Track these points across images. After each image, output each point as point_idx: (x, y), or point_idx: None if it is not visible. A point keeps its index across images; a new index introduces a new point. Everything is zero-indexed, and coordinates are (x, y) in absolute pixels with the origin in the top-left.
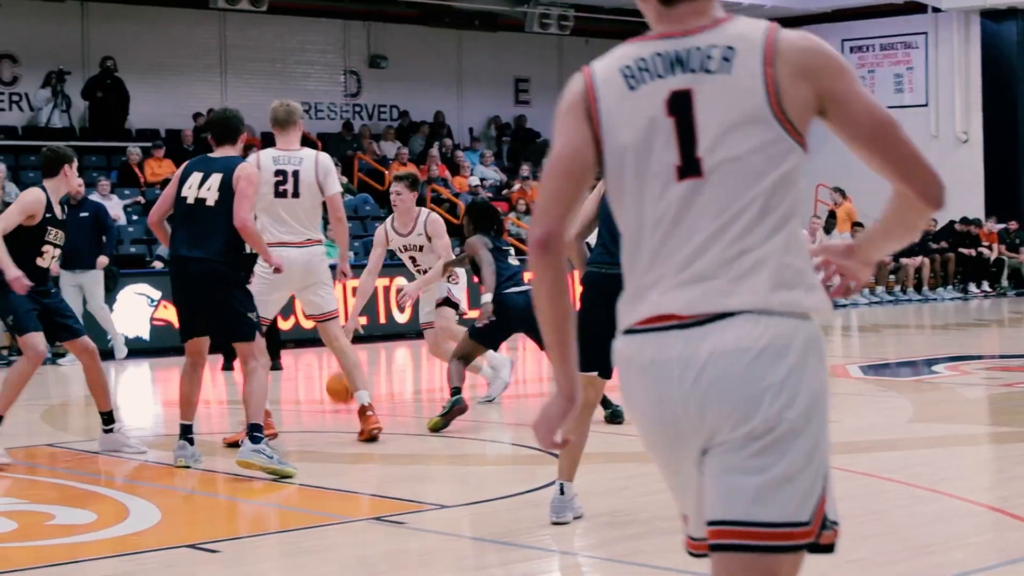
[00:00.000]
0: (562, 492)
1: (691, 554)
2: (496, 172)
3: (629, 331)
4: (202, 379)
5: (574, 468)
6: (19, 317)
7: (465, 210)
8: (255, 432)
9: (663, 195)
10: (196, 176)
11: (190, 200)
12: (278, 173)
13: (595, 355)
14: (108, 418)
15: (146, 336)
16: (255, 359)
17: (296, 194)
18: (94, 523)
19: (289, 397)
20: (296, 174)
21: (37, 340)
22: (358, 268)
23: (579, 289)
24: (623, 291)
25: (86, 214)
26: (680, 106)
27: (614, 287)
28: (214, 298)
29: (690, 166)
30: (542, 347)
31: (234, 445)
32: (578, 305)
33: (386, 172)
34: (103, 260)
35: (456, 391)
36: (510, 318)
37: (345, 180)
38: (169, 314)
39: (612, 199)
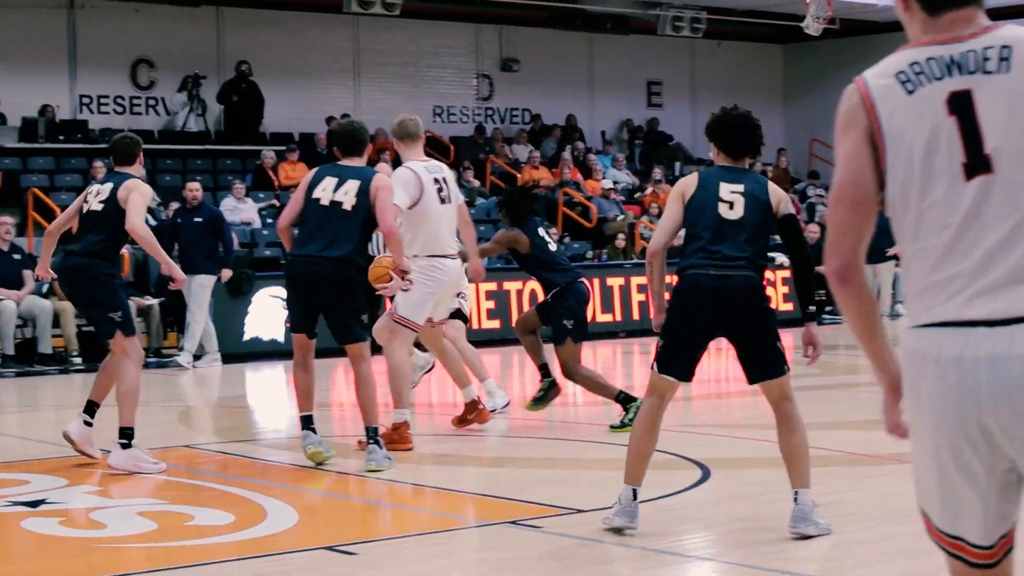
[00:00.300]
0: (635, 497)
1: (938, 545)
2: (628, 175)
3: (924, 326)
4: (314, 370)
5: (643, 471)
6: (129, 318)
7: (499, 205)
8: (378, 436)
9: (951, 194)
10: (330, 180)
11: (324, 202)
12: (435, 181)
13: (682, 359)
14: (93, 411)
15: (280, 338)
16: (366, 360)
17: (449, 200)
18: (232, 524)
19: (422, 400)
20: (445, 181)
21: (138, 342)
22: (486, 272)
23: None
24: (907, 289)
25: (200, 219)
26: (960, 105)
27: (718, 290)
28: (335, 297)
29: (979, 163)
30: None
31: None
32: (669, 304)
33: (518, 175)
34: (226, 273)
35: (623, 396)
36: (585, 305)
37: (477, 184)
38: None
39: (894, 201)
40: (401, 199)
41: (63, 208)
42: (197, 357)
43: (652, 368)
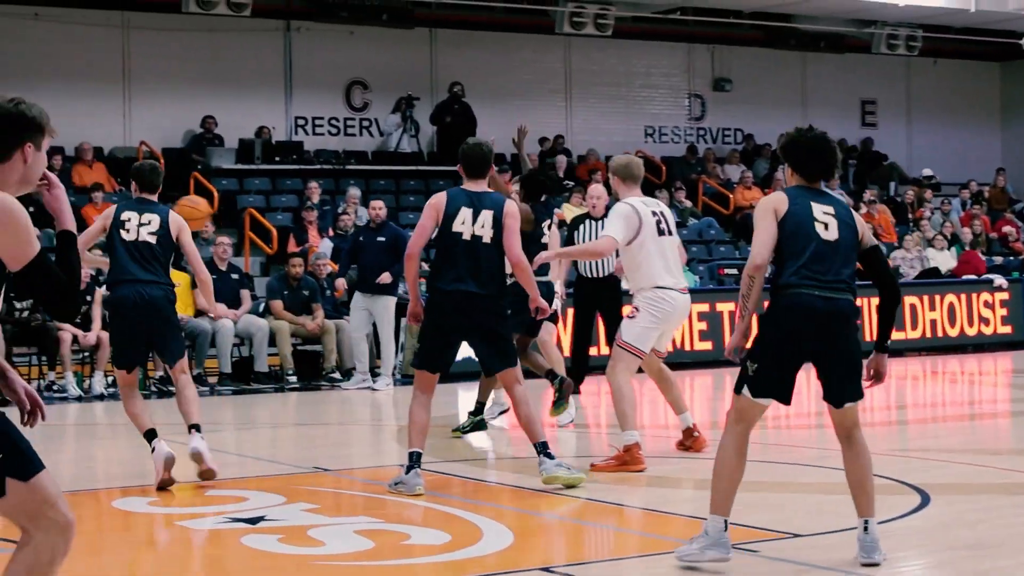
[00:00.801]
0: (725, 528)
1: None
2: (842, 195)
3: None
4: None
5: (732, 501)
6: None
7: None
8: (548, 449)
9: None
10: (466, 212)
11: (466, 236)
12: (653, 214)
13: (783, 381)
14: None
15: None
16: (521, 383)
17: (670, 232)
18: (448, 544)
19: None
20: (663, 215)
21: None
22: (698, 294)
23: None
24: None
25: (383, 239)
26: None
27: (824, 312)
28: (492, 328)
29: None
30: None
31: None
32: (760, 328)
33: (731, 196)
34: (386, 277)
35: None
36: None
37: (689, 204)
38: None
39: None
40: (618, 231)
41: (279, 228)
42: (375, 376)
43: (739, 393)
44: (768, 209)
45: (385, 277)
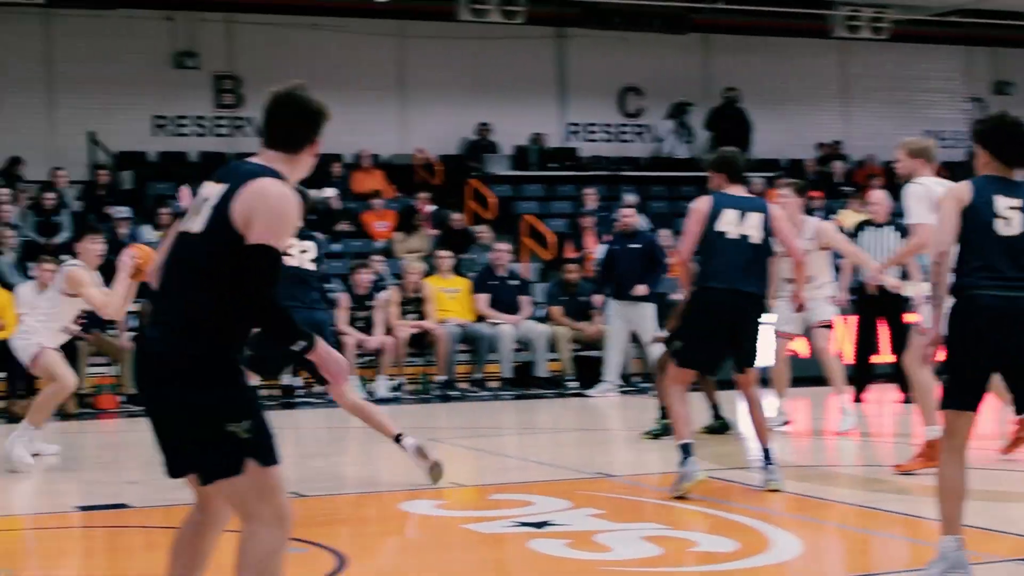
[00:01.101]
0: (960, 548)
1: None
2: None
3: None
4: None
5: (960, 519)
6: None
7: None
8: (770, 456)
9: None
10: (731, 213)
11: (732, 235)
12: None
13: (973, 389)
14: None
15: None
16: (757, 384)
17: None
18: (738, 552)
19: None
20: None
21: None
22: None
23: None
24: None
25: (638, 245)
26: None
27: (1005, 311)
28: (752, 328)
29: None
30: None
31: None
32: (950, 331)
33: None
34: (642, 289)
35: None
36: None
37: None
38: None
39: None
40: (927, 214)
41: (557, 234)
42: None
43: (943, 409)
44: (954, 197)
45: (641, 289)
